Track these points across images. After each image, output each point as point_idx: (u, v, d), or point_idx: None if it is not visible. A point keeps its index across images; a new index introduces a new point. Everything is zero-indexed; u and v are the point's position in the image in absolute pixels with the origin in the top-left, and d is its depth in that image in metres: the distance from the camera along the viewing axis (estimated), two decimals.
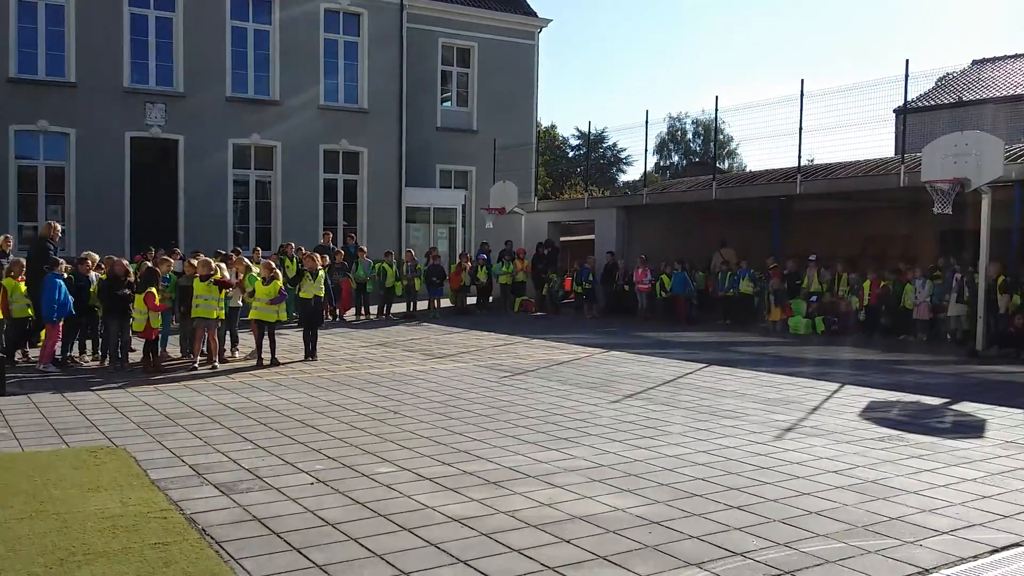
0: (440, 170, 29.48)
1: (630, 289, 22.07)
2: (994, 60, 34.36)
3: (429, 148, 28.69)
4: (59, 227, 14.27)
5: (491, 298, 23.73)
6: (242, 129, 24.51)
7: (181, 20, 23.54)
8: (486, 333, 17.85)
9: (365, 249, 21.89)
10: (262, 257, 15.62)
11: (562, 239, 26.60)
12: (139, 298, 11.97)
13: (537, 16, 31.39)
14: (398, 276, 21.37)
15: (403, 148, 27.14)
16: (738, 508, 5.90)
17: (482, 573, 4.68)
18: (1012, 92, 28.62)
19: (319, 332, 13.98)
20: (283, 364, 12.76)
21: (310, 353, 13.52)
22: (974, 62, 35.03)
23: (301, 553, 4.95)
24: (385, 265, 21.13)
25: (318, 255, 14.85)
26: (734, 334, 18.26)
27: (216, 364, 12.47)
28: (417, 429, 8.37)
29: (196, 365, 12.28)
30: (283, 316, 13.33)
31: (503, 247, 24.22)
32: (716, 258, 22.34)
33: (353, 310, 21.03)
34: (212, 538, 5.17)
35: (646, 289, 21.49)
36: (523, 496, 6.13)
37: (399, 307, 21.62)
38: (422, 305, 21.86)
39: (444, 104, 30.19)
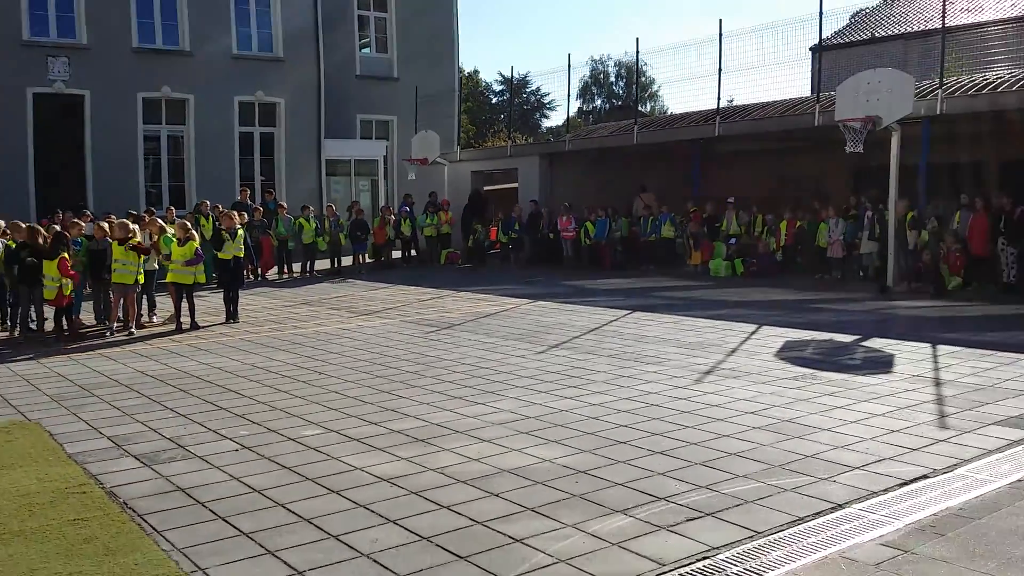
0: (360, 120, 28.89)
1: (555, 237, 22.18)
2: None
3: (348, 98, 28.03)
4: None
5: (415, 251, 23.55)
6: (151, 82, 23.52)
7: None
8: (412, 287, 17.76)
9: (285, 205, 21.43)
10: (176, 217, 15.15)
11: (486, 188, 26.47)
12: (50, 264, 11.49)
13: None
14: (318, 231, 20.97)
15: (322, 98, 26.46)
16: (661, 453, 6.05)
17: (411, 532, 4.71)
18: (923, 27, 29.31)
19: (240, 293, 13.70)
20: (203, 328, 12.49)
21: (231, 315, 13.25)
22: None
23: (227, 522, 4.90)
24: (302, 220, 20.69)
25: (235, 213, 14.48)
26: (657, 279, 18.57)
27: (133, 330, 12.13)
28: (343, 389, 8.33)
29: (112, 332, 11.93)
30: (201, 278, 13.00)
31: (428, 199, 23.98)
32: (637, 203, 22.57)
33: (275, 269, 20.65)
34: (134, 511, 5.08)
35: (571, 237, 21.62)
36: (451, 452, 6.18)
37: (323, 264, 21.30)
38: (346, 261, 21.58)
39: (363, 51, 29.48)
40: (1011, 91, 15.54)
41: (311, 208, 21.71)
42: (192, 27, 24.07)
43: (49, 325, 11.95)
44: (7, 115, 21.40)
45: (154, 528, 4.82)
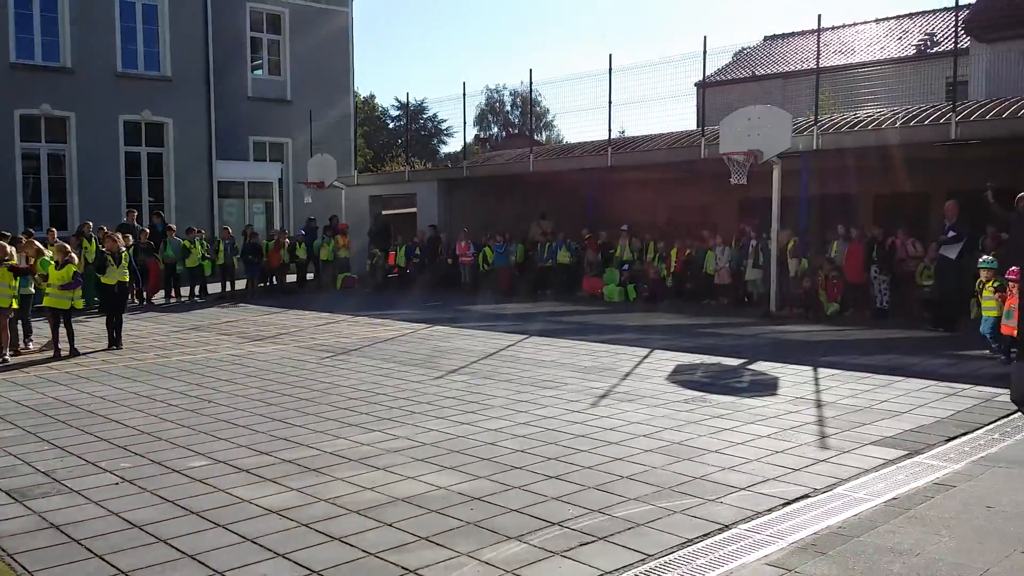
0: (254, 142, 28.34)
1: (453, 262, 22.19)
2: (784, 36, 36.97)
3: (241, 119, 27.47)
4: None
5: (313, 275, 23.15)
6: (30, 99, 22.50)
7: None
8: (307, 312, 17.43)
9: (174, 227, 20.75)
10: (58, 238, 14.45)
11: (384, 212, 26.31)
12: None
13: None
14: (205, 255, 20.33)
15: (212, 119, 25.84)
16: (556, 478, 6.10)
17: (301, 566, 4.60)
18: (800, 67, 30.88)
19: (124, 319, 13.14)
20: (84, 354, 11.93)
21: (114, 341, 12.69)
22: (766, 38, 37.56)
23: (105, 560, 4.67)
24: (187, 243, 20.04)
25: (120, 235, 13.93)
26: (554, 304, 18.81)
27: (7, 357, 11.46)
28: (233, 418, 8.08)
29: None
30: (79, 303, 12.37)
31: (327, 223, 23.63)
32: (534, 229, 22.85)
33: (162, 293, 19.91)
34: (3, 550, 4.78)
35: (469, 262, 21.68)
36: (345, 481, 6.07)
37: (215, 288, 20.67)
38: (240, 285, 21.01)
39: (255, 72, 28.97)
40: (880, 129, 16.53)
41: (200, 231, 21.05)
42: (74, 43, 23.18)
43: None
44: None
45: (25, 568, 4.56)
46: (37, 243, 12.89)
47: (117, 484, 6.04)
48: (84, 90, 23.26)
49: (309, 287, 22.72)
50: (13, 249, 12.01)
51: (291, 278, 22.75)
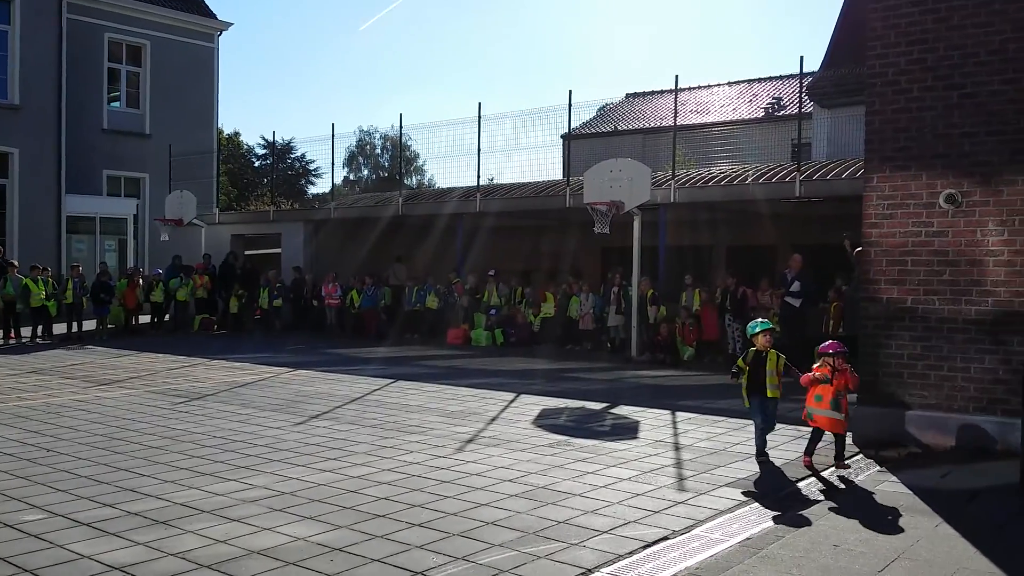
0: (108, 176, 27.07)
1: (319, 304, 21.75)
2: (644, 95, 38.72)
3: (94, 151, 26.21)
4: None
5: (167, 316, 22.12)
6: None
7: None
8: (161, 355, 16.61)
9: (16, 263, 19.43)
10: None
11: (247, 252, 25.57)
12: None
13: (216, 18, 30.05)
14: (50, 294, 19.11)
15: (63, 150, 24.54)
16: (420, 525, 6.01)
17: None
18: (659, 124, 32.36)
19: None
20: None
21: None
22: (628, 95, 39.24)
23: None
24: (28, 282, 18.80)
25: None
26: (421, 348, 18.69)
27: None
28: (75, 468, 7.55)
29: None
30: None
31: (188, 262, 22.70)
32: (392, 272, 22.75)
33: (0, 333, 18.54)
34: None
35: (336, 304, 21.32)
36: (196, 534, 5.76)
37: (60, 328, 19.41)
38: (88, 325, 19.83)
39: (112, 104, 27.79)
40: (732, 184, 17.51)
41: (44, 268, 19.79)
42: None
43: None
44: None
45: None
46: None
47: None
48: None
49: (164, 328, 21.70)
50: None
51: (144, 318, 21.68)
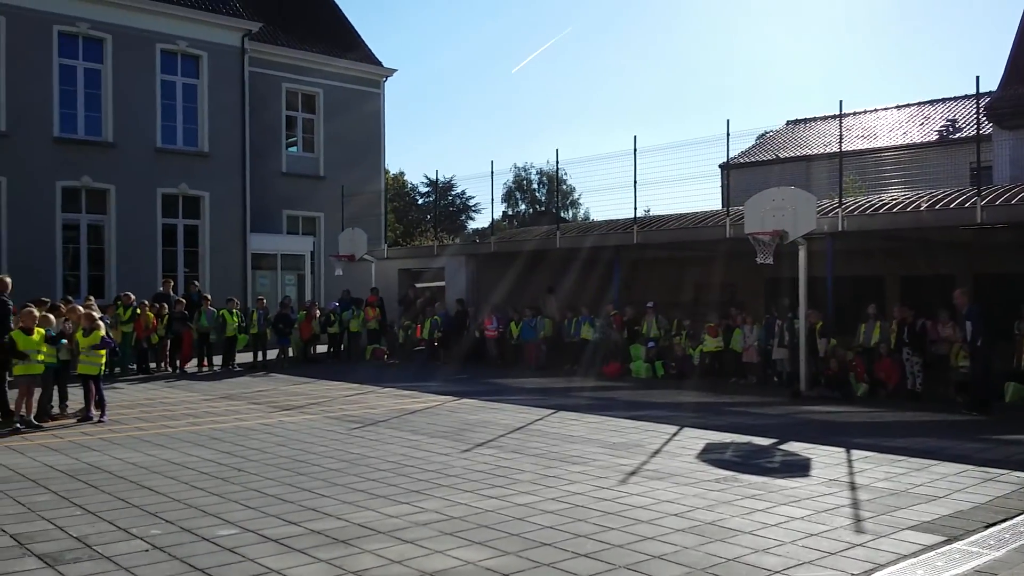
0: (287, 216, 28.98)
1: (480, 336, 22.29)
2: (806, 121, 37.49)
3: (275, 194, 28.16)
4: None
5: (342, 346, 23.33)
6: (71, 171, 23.25)
7: (3, 56, 22.19)
8: (336, 383, 17.52)
9: (209, 297, 21.11)
10: (96, 306, 14.76)
11: (417, 286, 26.62)
12: None
13: (382, 65, 31.67)
14: (241, 326, 20.64)
15: (247, 193, 26.50)
16: (586, 555, 6.04)
17: None
18: (822, 151, 31.24)
19: (156, 384, 13.31)
20: (100, 422, 12.11)
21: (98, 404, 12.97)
22: (789, 122, 38.12)
23: None
24: (225, 313, 20.37)
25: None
26: (579, 379, 18.74)
27: (30, 420, 11.57)
28: (262, 487, 8.10)
29: (21, 424, 11.38)
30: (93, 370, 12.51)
31: (361, 297, 23.95)
32: (542, 304, 22.95)
33: (195, 361, 20.16)
34: None
35: (493, 336, 21.78)
36: (373, 554, 6.04)
37: (245, 357, 20.88)
38: (271, 355, 21.22)
39: (290, 149, 29.81)
40: (905, 212, 16.61)
41: (236, 301, 21.43)
42: (116, 119, 24.02)
43: None
44: None
45: None
46: (80, 308, 13.15)
47: (147, 551, 6.06)
48: (124, 164, 24.01)
49: (339, 358, 22.87)
50: (52, 316, 12.28)
51: (321, 348, 22.97)
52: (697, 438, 11.08)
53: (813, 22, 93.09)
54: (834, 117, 22.54)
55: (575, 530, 6.68)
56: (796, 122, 37.93)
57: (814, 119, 37.07)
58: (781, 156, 33.04)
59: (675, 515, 7.15)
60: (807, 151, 32.99)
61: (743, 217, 16.62)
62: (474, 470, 8.93)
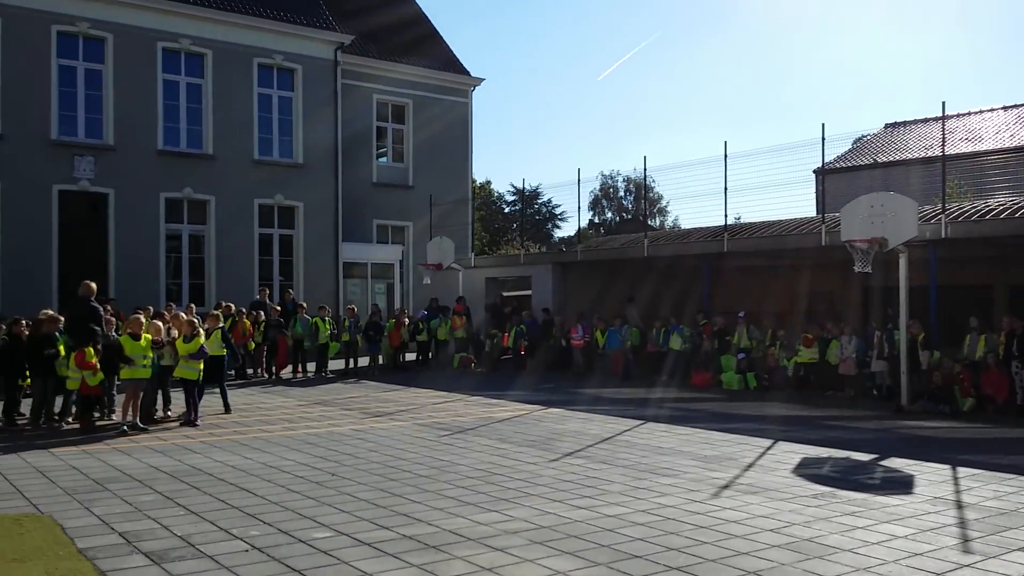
0: (377, 225, 29.51)
1: (567, 345, 22.24)
2: (905, 124, 36.19)
3: (365, 203, 28.72)
4: None
5: (430, 354, 23.61)
6: (174, 183, 24.20)
7: (111, 72, 23.27)
8: (424, 390, 17.74)
9: (304, 305, 21.68)
10: (196, 313, 15.35)
11: (504, 295, 26.77)
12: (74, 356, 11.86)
13: (471, 75, 31.97)
14: (333, 333, 21.10)
15: (339, 203, 27.11)
16: (678, 569, 5.94)
17: None
18: (923, 154, 30.08)
19: (254, 390, 13.77)
20: (197, 425, 12.56)
21: (226, 407, 13.80)
22: (887, 125, 36.86)
23: None
24: (317, 320, 20.87)
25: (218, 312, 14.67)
26: (667, 390, 18.47)
27: (135, 423, 12.07)
28: (355, 491, 8.25)
29: (127, 427, 11.90)
30: (192, 375, 12.98)
31: (448, 305, 24.22)
32: (626, 314, 22.68)
33: (289, 368, 20.72)
34: None
35: (580, 345, 21.69)
36: (464, 560, 6.08)
37: (337, 364, 21.36)
38: (361, 362, 21.63)
39: (380, 160, 30.36)
40: (1013, 218, 15.82)
41: (328, 309, 21.94)
42: (216, 132, 24.90)
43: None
44: (33, 210, 21.94)
45: None
46: (183, 316, 13.69)
47: (247, 551, 6.24)
48: (223, 175, 24.89)
49: (427, 366, 23.17)
50: (159, 323, 12.82)
51: (410, 356, 23.30)
52: (792, 452, 10.78)
53: (911, 20, 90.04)
54: (936, 119, 21.73)
55: (667, 543, 6.57)
56: (895, 125, 36.67)
57: (914, 122, 35.77)
58: (879, 160, 31.97)
59: (771, 530, 6.97)
60: (906, 155, 31.84)
61: (839, 224, 16.11)
62: (563, 480, 8.90)
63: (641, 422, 13.35)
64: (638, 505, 7.80)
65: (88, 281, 13.28)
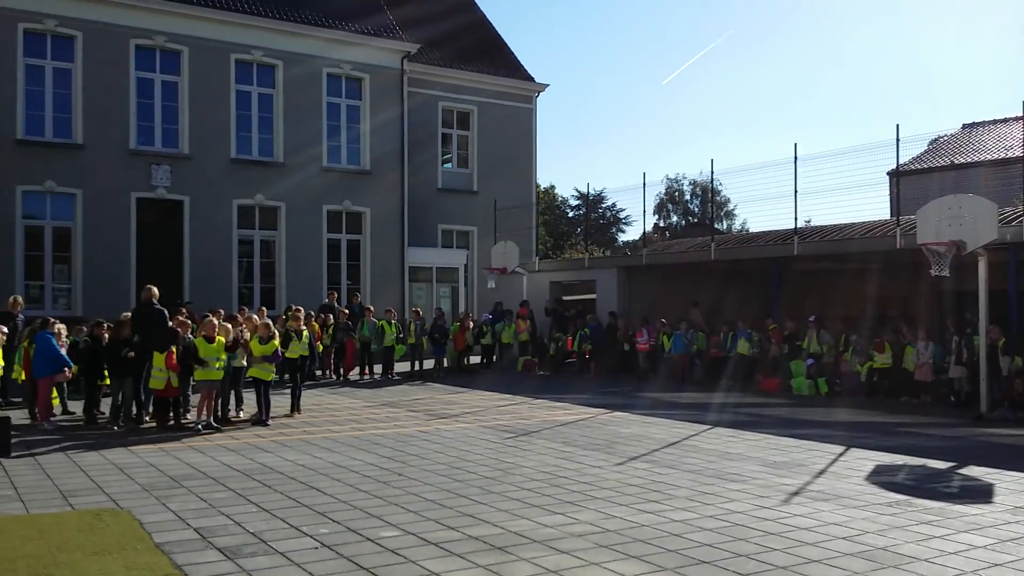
0: (442, 230, 29.79)
1: (631, 349, 22.09)
2: (984, 124, 35.01)
3: (430, 208, 29.02)
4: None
5: (494, 357, 23.71)
6: (246, 190, 24.80)
7: (187, 84, 23.98)
8: (489, 393, 17.82)
9: (371, 308, 22.00)
10: (267, 317, 15.70)
11: (564, 298, 26.74)
12: (159, 357, 12.32)
13: (535, 81, 32.06)
14: (399, 336, 21.35)
15: (405, 208, 27.43)
16: None
17: None
18: (1002, 155, 29.05)
19: (323, 391, 14.04)
20: (269, 425, 12.83)
21: (294, 408, 14.08)
22: (964, 126, 35.72)
23: None
24: (384, 323, 21.14)
25: (300, 316, 14.92)
26: (737, 395, 18.20)
27: (210, 422, 12.39)
28: (422, 492, 8.33)
29: (201, 427, 12.24)
30: (268, 375, 13.31)
31: (512, 309, 24.30)
32: (690, 317, 22.40)
33: (357, 369, 21.04)
34: None
35: (646, 349, 21.52)
36: (529, 562, 6.08)
37: (403, 366, 21.60)
38: (427, 364, 21.84)
39: (445, 165, 30.63)
40: None
41: (394, 312, 22.22)
42: (286, 141, 25.45)
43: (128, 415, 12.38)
44: (113, 217, 22.75)
45: None
46: (256, 319, 14.03)
47: (316, 548, 6.35)
48: (294, 183, 25.42)
49: (491, 368, 23.27)
50: (229, 326, 13.15)
51: (474, 359, 23.43)
52: (866, 459, 10.51)
53: (987, 18, 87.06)
54: (1016, 119, 20.95)
55: (735, 549, 6.48)
56: (972, 125, 35.51)
57: (992, 122, 34.59)
58: (956, 162, 31.00)
59: (843, 538, 6.81)
60: (984, 156, 30.80)
61: (915, 227, 15.67)
62: (628, 484, 8.84)
63: (707, 427, 13.18)
64: (706, 511, 7.70)
65: (150, 285, 13.65)
